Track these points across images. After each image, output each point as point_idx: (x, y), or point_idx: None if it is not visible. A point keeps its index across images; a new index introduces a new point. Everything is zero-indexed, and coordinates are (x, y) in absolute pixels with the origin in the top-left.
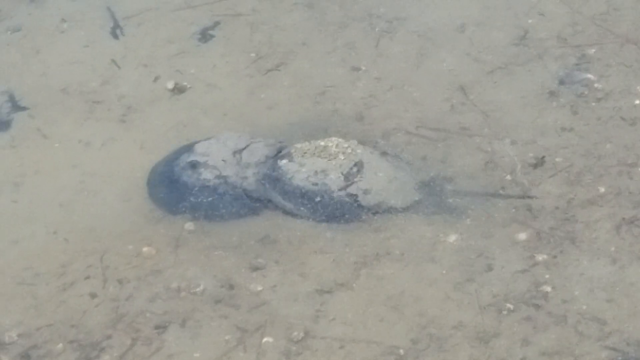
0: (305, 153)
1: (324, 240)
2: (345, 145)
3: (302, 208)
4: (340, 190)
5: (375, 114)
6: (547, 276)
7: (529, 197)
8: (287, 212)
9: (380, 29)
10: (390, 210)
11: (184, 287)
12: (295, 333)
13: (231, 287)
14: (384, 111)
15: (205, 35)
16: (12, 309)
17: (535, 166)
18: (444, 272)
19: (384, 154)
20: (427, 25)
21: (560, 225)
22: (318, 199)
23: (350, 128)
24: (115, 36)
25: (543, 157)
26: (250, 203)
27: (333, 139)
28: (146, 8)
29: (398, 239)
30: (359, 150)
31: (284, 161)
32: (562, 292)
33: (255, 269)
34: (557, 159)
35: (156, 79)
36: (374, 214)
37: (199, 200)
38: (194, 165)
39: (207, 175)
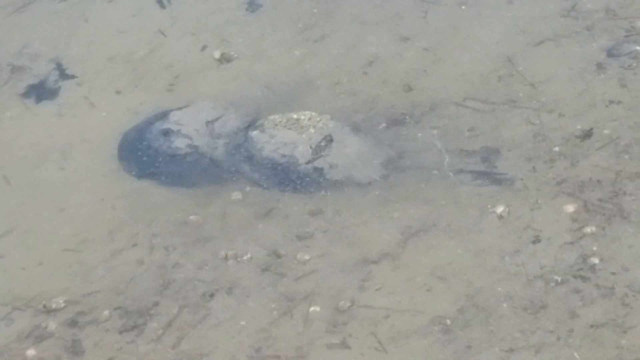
0: (277, 125)
1: (371, 210)
2: (318, 119)
3: (269, 179)
4: (307, 163)
5: (423, 85)
6: (594, 248)
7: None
8: (254, 183)
9: (428, 0)
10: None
11: (231, 255)
12: (342, 302)
13: (278, 256)
14: (432, 82)
15: (252, 5)
16: (59, 276)
17: (583, 138)
18: (491, 243)
19: (355, 129)
20: None
21: (608, 197)
22: (285, 170)
23: (398, 99)
24: (162, 5)
25: (591, 129)
26: (217, 172)
27: (306, 112)
28: None
29: (445, 210)
30: (330, 125)
31: (255, 132)
32: (610, 265)
33: (303, 238)
34: (605, 131)
35: (203, 48)
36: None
37: (168, 168)
38: (166, 133)
39: (178, 143)
